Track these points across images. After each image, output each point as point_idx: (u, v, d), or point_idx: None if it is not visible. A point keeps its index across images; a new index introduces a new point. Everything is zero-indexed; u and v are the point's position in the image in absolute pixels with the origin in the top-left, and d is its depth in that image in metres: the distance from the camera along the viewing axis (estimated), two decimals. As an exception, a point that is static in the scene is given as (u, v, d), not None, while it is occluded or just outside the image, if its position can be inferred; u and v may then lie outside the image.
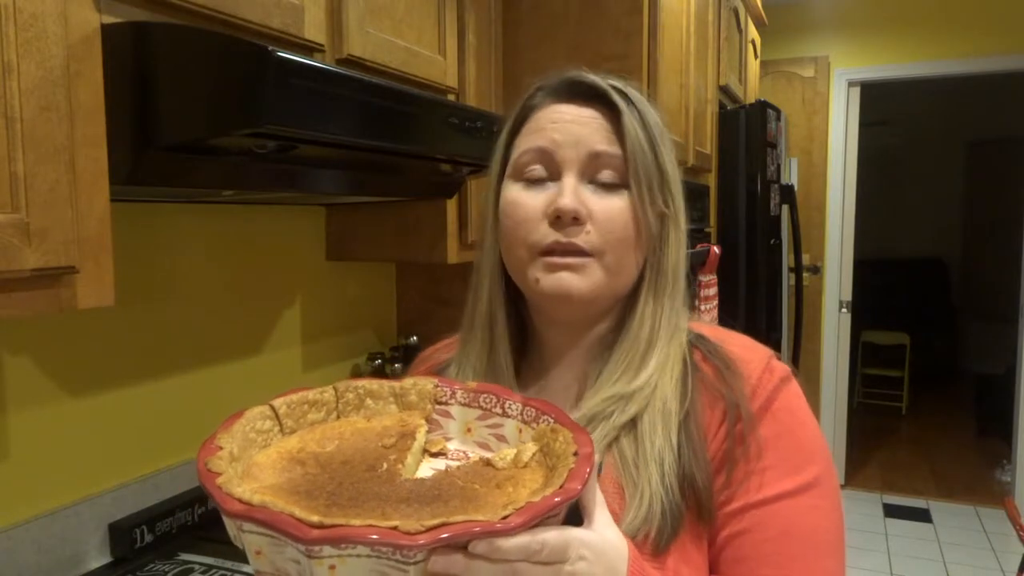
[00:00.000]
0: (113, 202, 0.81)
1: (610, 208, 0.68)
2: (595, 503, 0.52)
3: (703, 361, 0.69)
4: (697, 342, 0.71)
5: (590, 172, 0.68)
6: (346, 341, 1.80)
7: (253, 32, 0.97)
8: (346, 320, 1.80)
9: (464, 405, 0.63)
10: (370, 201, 1.59)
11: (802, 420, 0.67)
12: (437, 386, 0.64)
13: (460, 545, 0.42)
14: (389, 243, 1.64)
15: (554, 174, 0.69)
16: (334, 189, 1.19)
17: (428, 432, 0.62)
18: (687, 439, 0.64)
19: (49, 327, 1.12)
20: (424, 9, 1.37)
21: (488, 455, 0.58)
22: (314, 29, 1.08)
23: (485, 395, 0.63)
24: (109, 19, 0.79)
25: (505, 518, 0.42)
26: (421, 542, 0.39)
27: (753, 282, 2.74)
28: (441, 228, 1.56)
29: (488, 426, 0.62)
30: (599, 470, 0.65)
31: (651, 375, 0.67)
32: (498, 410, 0.61)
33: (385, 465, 0.52)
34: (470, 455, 0.60)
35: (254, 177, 1.04)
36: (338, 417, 0.62)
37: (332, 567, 0.41)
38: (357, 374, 1.81)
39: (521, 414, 0.60)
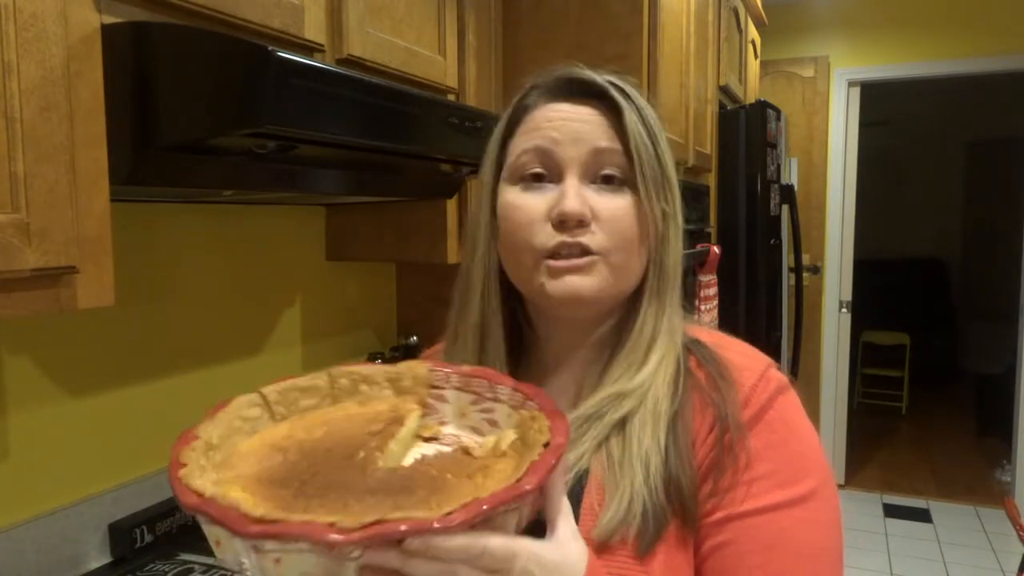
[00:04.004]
0: (113, 202, 0.81)
1: (615, 207, 0.66)
2: (559, 512, 0.50)
3: (697, 367, 0.68)
4: (693, 347, 0.70)
5: (593, 170, 0.67)
6: (346, 341, 1.80)
7: (253, 32, 0.98)
8: (346, 320, 1.80)
9: (458, 389, 0.62)
10: (370, 201, 1.59)
11: (798, 432, 0.65)
12: (431, 370, 0.63)
13: (397, 541, 0.41)
14: (389, 243, 1.64)
15: (555, 174, 0.68)
16: (334, 189, 1.19)
17: (424, 416, 0.61)
18: (674, 441, 0.63)
19: (49, 327, 1.12)
20: (424, 9, 1.37)
21: (479, 439, 0.57)
22: (314, 29, 1.08)
23: (478, 380, 0.62)
24: (109, 19, 0.79)
25: (448, 514, 0.41)
26: (342, 539, 0.39)
27: (753, 282, 2.74)
28: (441, 228, 1.56)
29: (481, 411, 0.61)
30: (585, 476, 0.63)
31: (650, 373, 0.66)
32: (489, 395, 0.61)
33: (363, 453, 0.52)
34: (463, 440, 0.59)
35: (254, 177, 1.04)
36: (332, 403, 0.61)
37: (277, 560, 0.41)
38: (357, 374, 1.81)
39: (510, 399, 0.59)
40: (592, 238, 0.66)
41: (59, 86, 0.73)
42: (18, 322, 1.07)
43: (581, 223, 0.65)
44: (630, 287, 0.70)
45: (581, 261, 0.66)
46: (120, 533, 1.18)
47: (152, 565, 1.16)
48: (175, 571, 1.14)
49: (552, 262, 0.66)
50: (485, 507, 0.42)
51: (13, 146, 0.69)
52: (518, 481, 0.45)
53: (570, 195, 0.65)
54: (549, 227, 0.66)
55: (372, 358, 1.79)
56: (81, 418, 1.17)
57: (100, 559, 1.17)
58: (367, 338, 1.88)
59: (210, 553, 1.25)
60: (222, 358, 1.43)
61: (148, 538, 1.21)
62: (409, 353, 1.81)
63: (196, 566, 1.15)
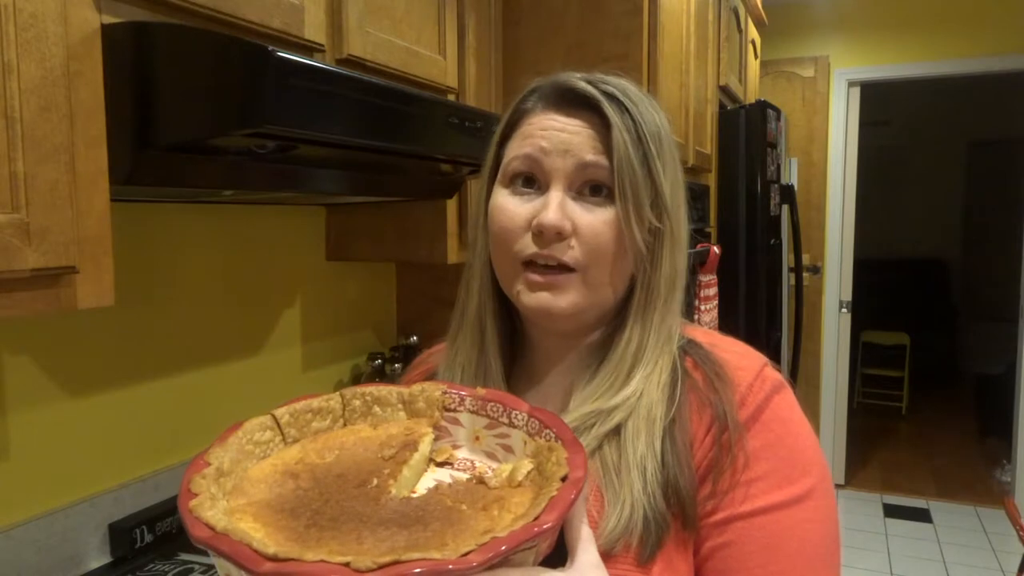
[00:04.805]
0: (113, 202, 0.81)
1: (595, 222, 0.66)
2: (579, 539, 0.49)
3: (694, 368, 0.68)
4: (689, 348, 0.70)
5: (578, 183, 0.67)
6: (346, 341, 1.80)
7: (253, 32, 0.98)
8: (346, 320, 1.80)
9: (473, 413, 0.62)
10: (370, 201, 1.59)
11: (795, 431, 0.65)
12: (445, 392, 0.63)
13: None
14: (389, 243, 1.64)
15: (542, 183, 0.68)
16: (334, 189, 1.19)
17: (437, 439, 0.60)
18: (671, 445, 0.63)
19: (49, 327, 1.12)
20: (424, 9, 1.37)
21: (493, 465, 0.57)
22: (314, 29, 1.08)
23: (492, 404, 0.61)
24: (109, 19, 0.79)
25: (466, 555, 0.40)
26: None
27: (753, 282, 2.74)
28: (441, 228, 1.56)
29: (496, 435, 0.60)
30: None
31: (634, 389, 0.66)
32: (504, 420, 0.60)
33: (376, 481, 0.51)
34: (477, 465, 0.59)
35: (254, 177, 1.04)
36: (344, 425, 0.61)
37: None
38: (357, 374, 1.81)
39: (526, 425, 0.58)
40: (569, 252, 0.66)
41: (59, 86, 0.73)
42: (18, 322, 1.07)
43: (560, 235, 0.65)
44: (609, 301, 0.70)
45: (555, 278, 0.66)
46: (120, 533, 1.18)
47: (152, 565, 1.16)
48: (175, 571, 1.14)
49: (529, 274, 0.67)
50: (504, 547, 0.40)
51: (13, 146, 0.69)
52: (537, 519, 0.43)
53: (551, 207, 0.65)
54: (529, 236, 0.67)
55: (372, 358, 1.79)
56: (81, 418, 1.17)
57: (100, 559, 1.17)
58: (367, 338, 1.88)
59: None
60: (222, 358, 1.43)
61: (148, 538, 1.21)
62: (409, 353, 1.80)
63: (196, 566, 1.15)
